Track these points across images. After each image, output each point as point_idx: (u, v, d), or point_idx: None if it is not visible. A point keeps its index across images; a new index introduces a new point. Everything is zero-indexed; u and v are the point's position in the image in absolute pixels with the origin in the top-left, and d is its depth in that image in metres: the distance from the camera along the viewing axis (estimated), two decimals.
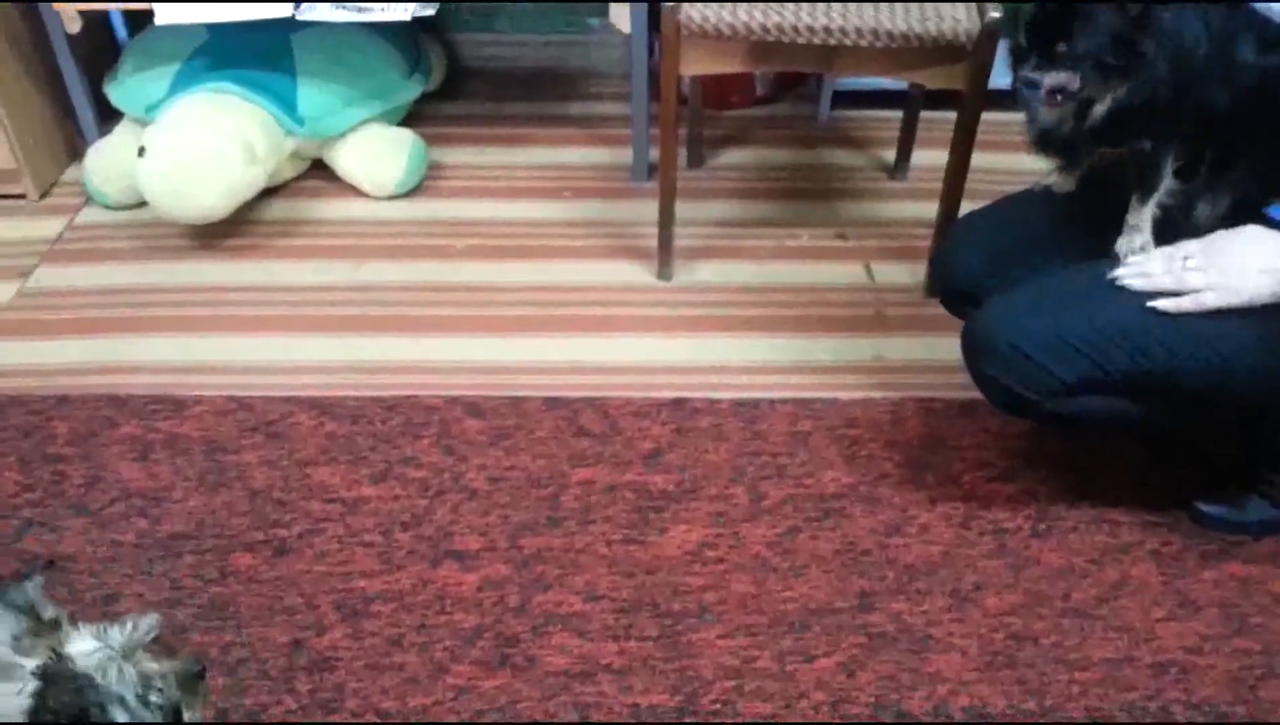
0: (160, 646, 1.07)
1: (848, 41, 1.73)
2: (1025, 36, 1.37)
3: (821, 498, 1.63)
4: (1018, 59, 1.39)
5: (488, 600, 1.49)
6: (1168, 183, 1.40)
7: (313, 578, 1.51)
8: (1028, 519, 1.59)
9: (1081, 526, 1.58)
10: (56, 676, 0.99)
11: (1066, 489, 1.64)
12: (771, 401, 1.79)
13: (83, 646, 1.02)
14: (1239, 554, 1.54)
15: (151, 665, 1.04)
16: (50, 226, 2.22)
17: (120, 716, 1.00)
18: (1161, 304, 1.33)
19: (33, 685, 0.99)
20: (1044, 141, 1.48)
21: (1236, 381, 1.34)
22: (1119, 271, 1.38)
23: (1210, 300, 1.31)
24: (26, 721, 0.99)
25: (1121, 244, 1.44)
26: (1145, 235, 1.43)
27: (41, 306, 2.02)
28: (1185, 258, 1.34)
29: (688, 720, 1.35)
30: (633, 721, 1.34)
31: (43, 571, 1.09)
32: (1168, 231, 1.42)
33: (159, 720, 1.03)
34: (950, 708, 1.36)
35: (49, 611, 1.06)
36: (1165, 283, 1.34)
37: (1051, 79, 1.35)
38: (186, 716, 1.06)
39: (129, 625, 1.05)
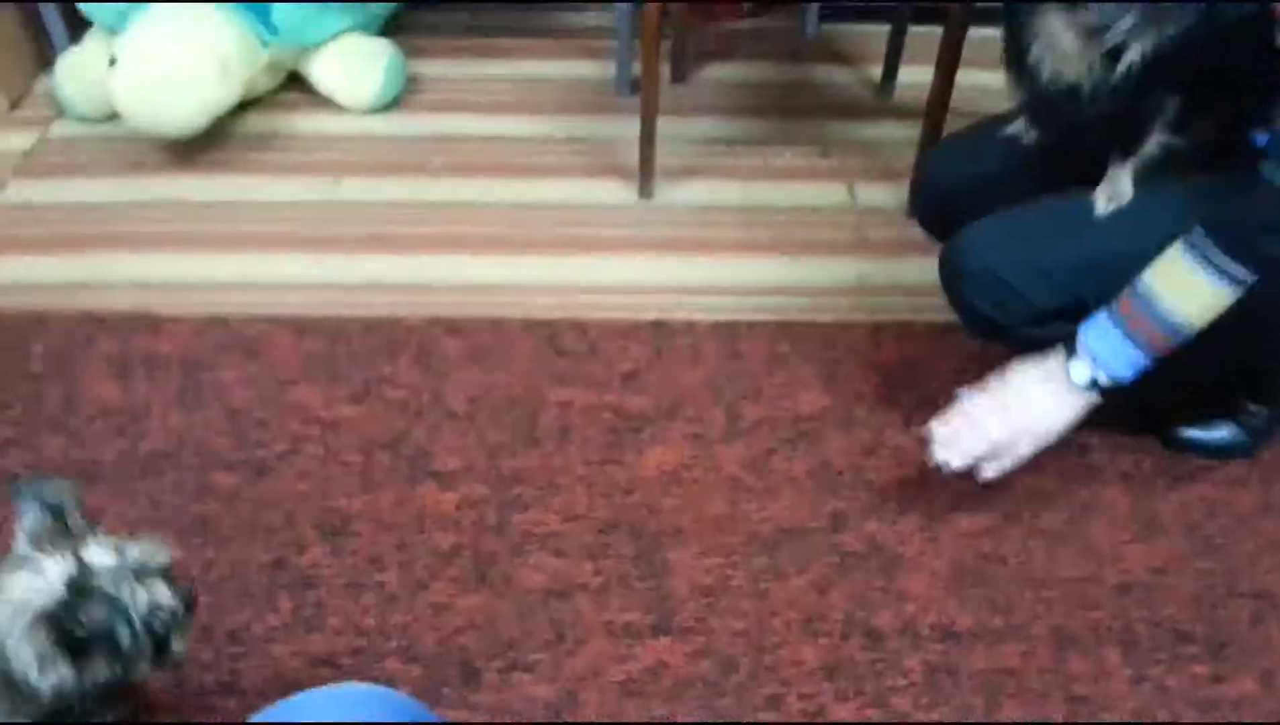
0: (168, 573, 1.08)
1: None
2: None
3: (797, 419, 1.64)
4: None
5: (466, 519, 1.50)
6: (1157, 138, 1.35)
7: (293, 497, 1.53)
8: None
9: (1051, 450, 1.58)
10: (90, 591, 1.00)
11: None
12: (750, 324, 1.79)
13: (103, 560, 1.03)
14: (1207, 477, 1.57)
15: (162, 591, 1.05)
16: (22, 140, 2.18)
17: (124, 635, 1.01)
18: (988, 474, 1.37)
19: (60, 591, 0.99)
20: (1042, 103, 1.41)
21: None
22: None
23: (1024, 450, 1.36)
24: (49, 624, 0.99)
25: (1100, 192, 1.39)
26: (1125, 189, 1.38)
27: (14, 222, 2.00)
28: (984, 416, 1.35)
29: (663, 638, 1.38)
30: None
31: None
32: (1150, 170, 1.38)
33: (152, 645, 1.04)
34: (918, 625, 1.40)
35: (76, 519, 1.06)
36: (979, 450, 1.36)
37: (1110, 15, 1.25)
38: (174, 645, 1.08)
39: (148, 548, 1.06)
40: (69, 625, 0.99)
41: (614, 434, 1.62)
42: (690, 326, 1.78)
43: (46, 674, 1.00)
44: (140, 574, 1.04)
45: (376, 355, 1.73)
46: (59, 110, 2.22)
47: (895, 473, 1.57)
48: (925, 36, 2.09)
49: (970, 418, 1.37)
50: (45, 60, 2.31)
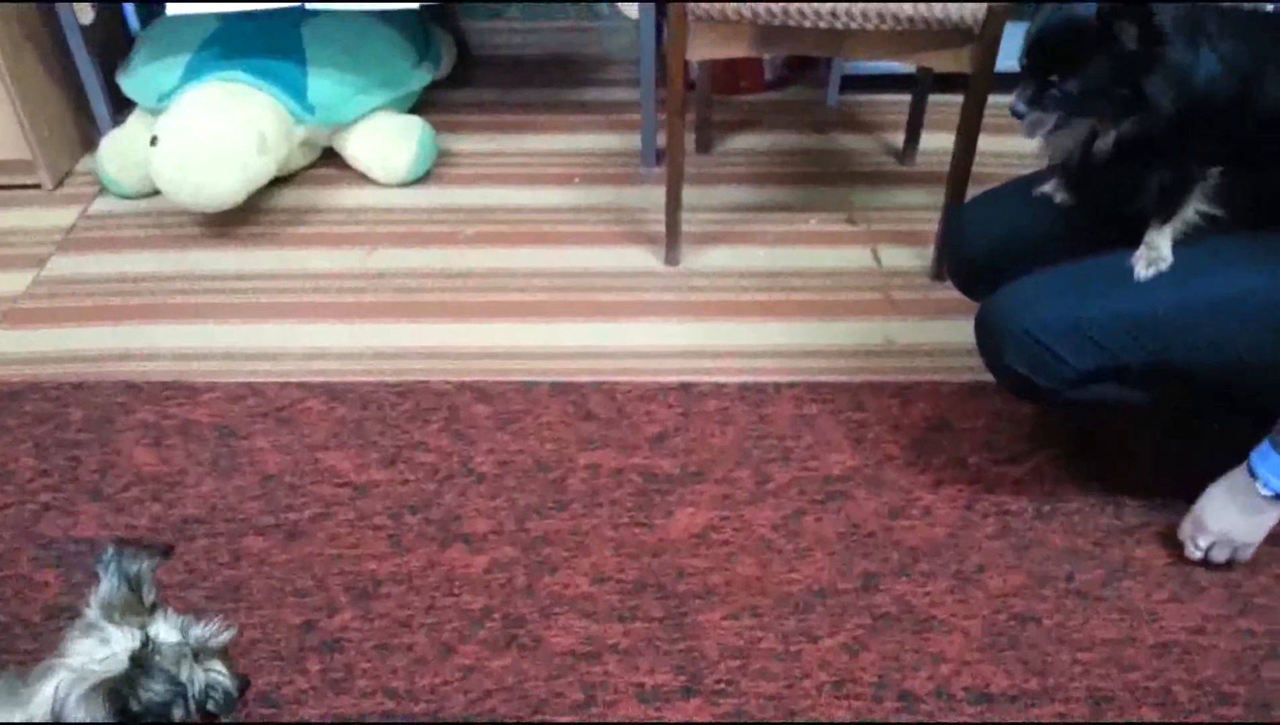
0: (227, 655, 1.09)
1: (854, 25, 1.73)
2: (1025, 59, 1.35)
3: (826, 480, 1.64)
4: (1021, 78, 1.37)
5: (495, 582, 1.50)
6: (1196, 206, 1.37)
7: (323, 560, 1.54)
8: (1032, 501, 1.60)
9: (1086, 508, 1.59)
10: (153, 668, 1.00)
11: (1072, 472, 1.64)
12: (778, 385, 1.80)
13: (168, 637, 1.03)
14: None
15: (218, 676, 1.05)
16: (65, 216, 2.24)
17: (178, 713, 1.01)
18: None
19: (124, 663, 0.99)
20: (1063, 164, 1.48)
21: (1252, 374, 1.34)
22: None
23: (1246, 554, 1.47)
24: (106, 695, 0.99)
25: (1139, 256, 1.39)
26: (1165, 254, 1.38)
27: (56, 294, 2.05)
28: (1197, 544, 1.47)
29: (693, 700, 1.36)
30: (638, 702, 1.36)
31: (161, 555, 1.09)
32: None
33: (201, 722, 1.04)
34: (952, 687, 1.37)
35: (150, 594, 1.07)
36: (1218, 558, 1.48)
37: (1032, 118, 1.36)
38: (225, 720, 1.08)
39: (211, 628, 1.06)
40: (128, 698, 0.99)
41: (642, 496, 1.62)
42: (718, 389, 1.79)
43: None
44: (200, 654, 1.05)
45: (407, 421, 1.75)
46: (101, 187, 2.29)
47: (926, 533, 1.56)
48: (946, 104, 2.13)
49: (1189, 548, 1.49)
50: (89, 140, 2.39)
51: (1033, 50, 1.35)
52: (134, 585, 1.05)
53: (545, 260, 2.10)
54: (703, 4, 1.74)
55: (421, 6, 2.11)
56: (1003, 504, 1.60)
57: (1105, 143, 1.35)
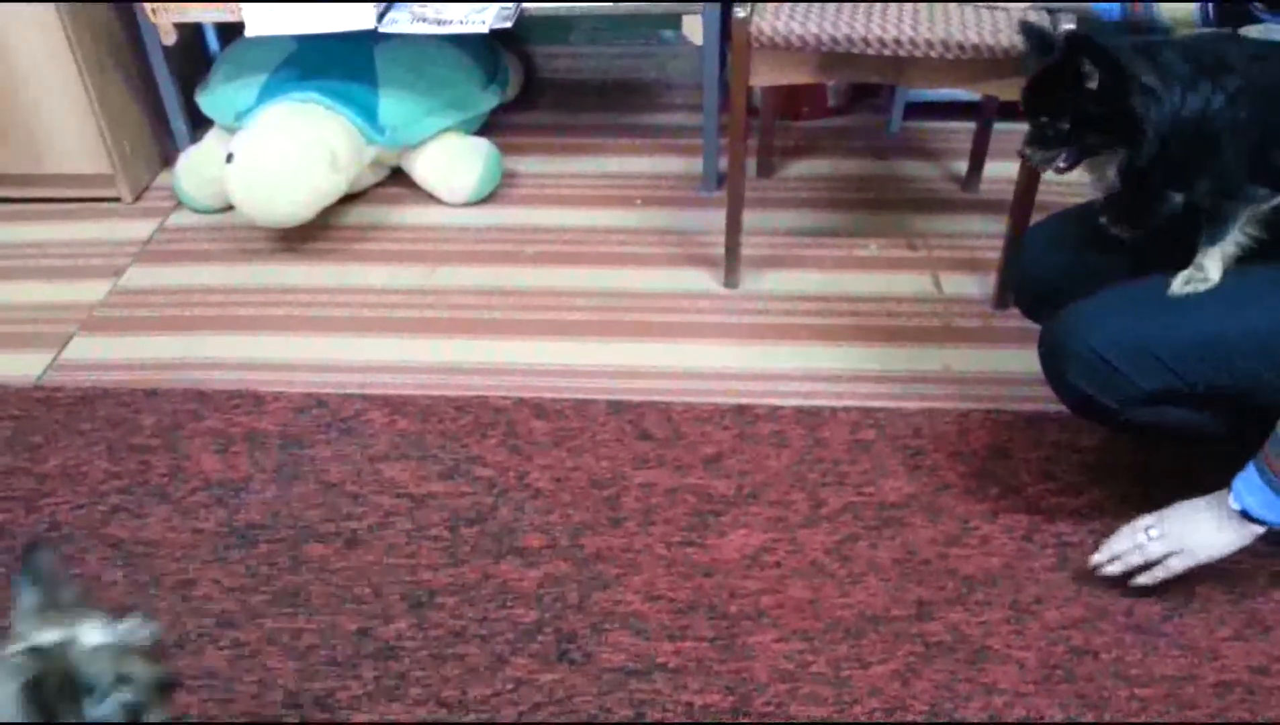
0: (150, 652, 1.08)
1: (918, 53, 1.74)
2: (1023, 104, 1.39)
3: (882, 506, 1.63)
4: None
5: (548, 596, 1.52)
6: (1244, 228, 1.35)
7: (381, 569, 1.56)
8: (1092, 533, 1.58)
9: None
10: (53, 664, 1.01)
11: (1133, 503, 1.60)
12: (834, 410, 1.80)
13: (90, 638, 1.05)
14: None
15: (133, 667, 1.06)
16: (142, 228, 2.32)
17: (90, 707, 1.02)
18: (1141, 580, 1.43)
19: (21, 661, 1.01)
20: (1105, 196, 1.48)
21: None
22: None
23: (1176, 565, 1.40)
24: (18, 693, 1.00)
25: (1181, 274, 1.38)
26: (1211, 276, 1.36)
27: (132, 304, 2.12)
28: (1147, 529, 1.41)
29: (741, 721, 1.36)
30: (687, 721, 1.36)
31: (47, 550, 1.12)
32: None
33: (122, 718, 1.04)
34: (1006, 718, 1.36)
35: (68, 593, 1.08)
36: (1135, 560, 1.42)
37: (1039, 157, 1.40)
38: (146, 719, 1.07)
39: (132, 626, 1.07)
40: (30, 692, 0.99)
41: (696, 516, 1.63)
42: (774, 412, 1.79)
43: None
44: (119, 650, 1.05)
45: (466, 434, 1.78)
46: (178, 202, 2.37)
47: (981, 562, 1.55)
48: (1010, 131, 2.11)
49: (1132, 529, 1.43)
50: (167, 156, 2.47)
51: (1026, 94, 1.39)
52: (48, 586, 1.06)
53: (605, 280, 2.12)
54: (766, 31, 1.76)
55: (490, 30, 2.15)
56: (1062, 535, 1.58)
57: (1110, 174, 1.36)
